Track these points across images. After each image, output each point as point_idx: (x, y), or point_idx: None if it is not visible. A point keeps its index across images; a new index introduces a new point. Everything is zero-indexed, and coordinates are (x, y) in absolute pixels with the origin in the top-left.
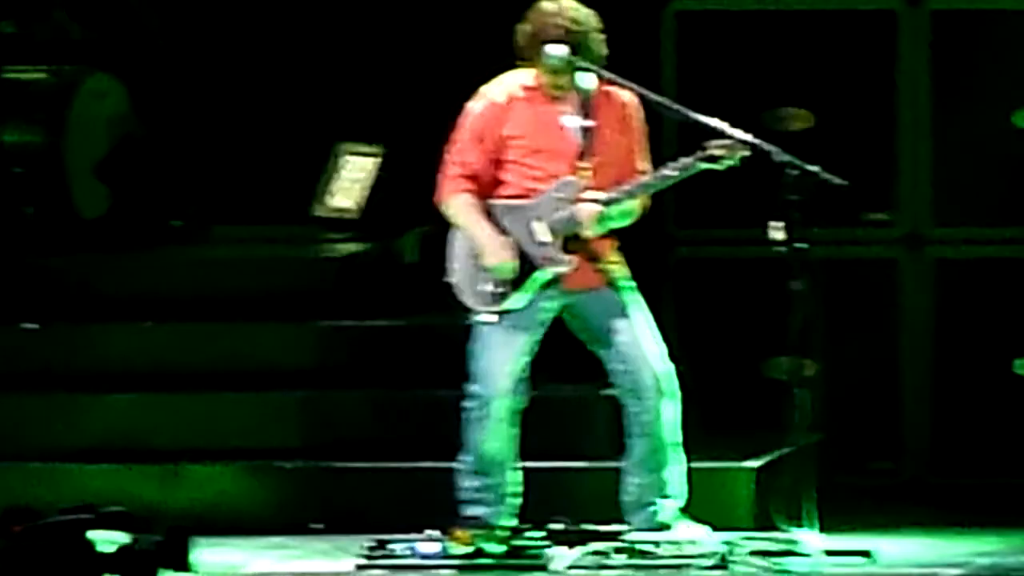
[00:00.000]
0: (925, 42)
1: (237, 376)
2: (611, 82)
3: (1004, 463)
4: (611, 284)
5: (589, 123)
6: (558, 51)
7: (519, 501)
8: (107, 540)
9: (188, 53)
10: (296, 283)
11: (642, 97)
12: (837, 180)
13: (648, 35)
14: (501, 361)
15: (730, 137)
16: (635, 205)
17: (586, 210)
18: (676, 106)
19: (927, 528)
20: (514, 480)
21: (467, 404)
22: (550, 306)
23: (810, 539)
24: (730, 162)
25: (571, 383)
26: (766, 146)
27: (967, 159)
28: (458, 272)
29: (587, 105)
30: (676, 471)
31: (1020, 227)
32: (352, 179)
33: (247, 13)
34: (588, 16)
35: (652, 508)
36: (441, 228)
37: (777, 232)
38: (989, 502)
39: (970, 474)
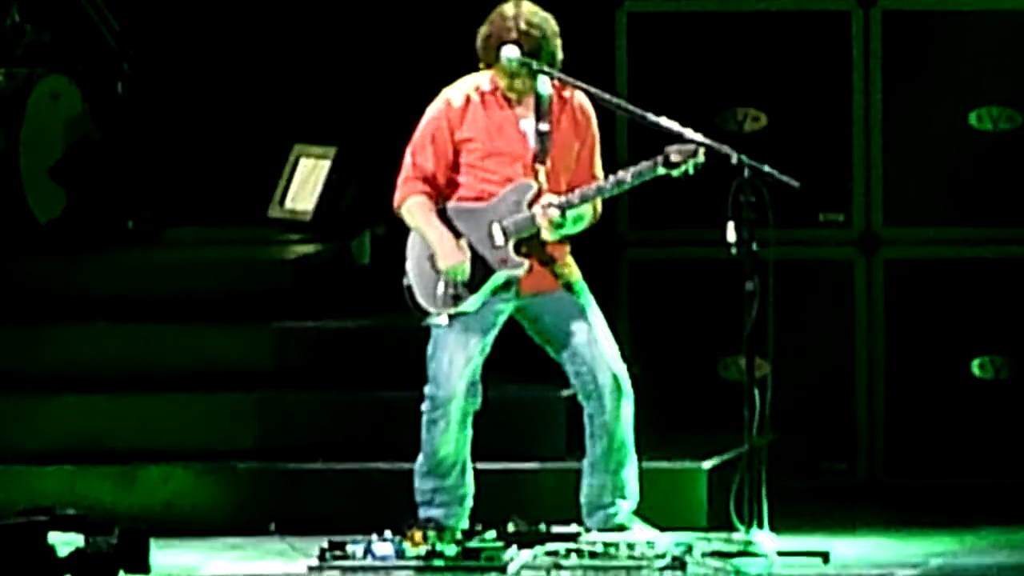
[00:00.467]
0: (878, 43)
1: (192, 377)
2: (566, 85)
3: (958, 464)
4: (565, 286)
5: (545, 127)
6: (512, 53)
7: (472, 503)
8: (63, 542)
9: (143, 55)
10: (251, 284)
11: (596, 98)
12: (791, 181)
13: (601, 36)
14: (455, 363)
15: (686, 139)
16: (588, 211)
17: (541, 214)
18: (630, 107)
19: (881, 529)
20: (469, 481)
21: (423, 406)
22: (503, 308)
23: (765, 540)
24: (687, 168)
25: (529, 384)
26: (721, 147)
27: (921, 160)
28: (413, 274)
29: (544, 109)
30: (631, 471)
31: (975, 228)
32: (306, 181)
33: (201, 15)
34: (545, 20)
35: (609, 509)
36: (395, 229)
37: (731, 233)
38: (944, 503)
39: (924, 475)
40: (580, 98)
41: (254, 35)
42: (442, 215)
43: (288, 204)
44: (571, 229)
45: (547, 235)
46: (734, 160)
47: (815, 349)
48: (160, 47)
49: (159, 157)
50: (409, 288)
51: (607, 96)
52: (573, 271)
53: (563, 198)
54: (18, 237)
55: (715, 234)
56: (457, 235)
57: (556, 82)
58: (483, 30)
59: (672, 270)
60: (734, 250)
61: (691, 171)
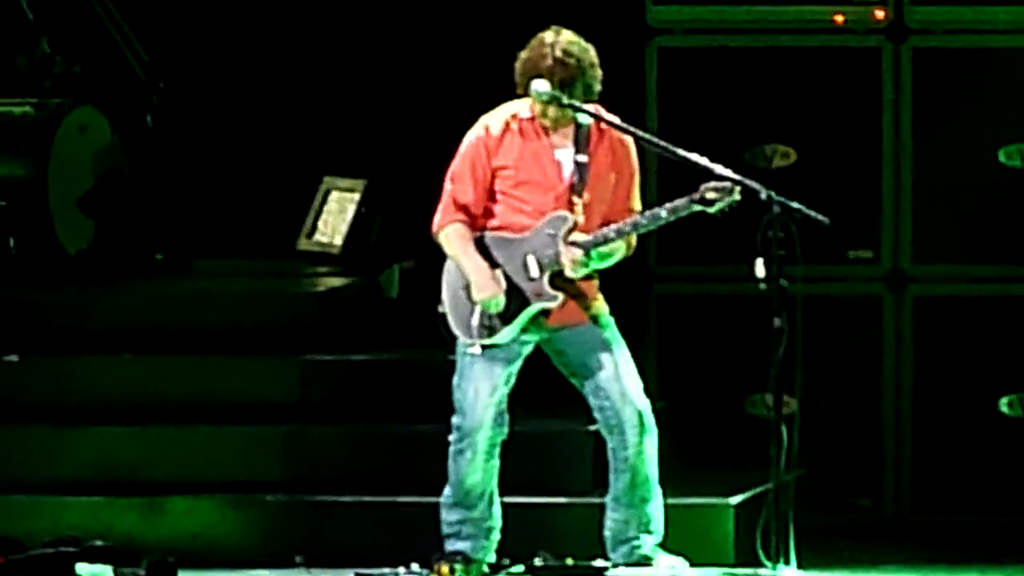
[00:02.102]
0: (908, 79)
1: (220, 409)
2: (598, 119)
3: (985, 501)
4: (592, 320)
5: (583, 158)
6: (542, 87)
7: (498, 536)
8: (91, 573)
9: (172, 86)
10: (279, 317)
11: (626, 132)
12: (820, 217)
13: (632, 71)
14: (481, 392)
15: (716, 175)
16: (619, 245)
17: (564, 252)
18: (660, 142)
19: (907, 566)
20: (496, 514)
21: (450, 436)
22: (529, 339)
23: None
24: (723, 206)
25: (555, 418)
26: (750, 183)
27: (950, 197)
28: (448, 302)
29: (582, 140)
30: (656, 506)
31: (1005, 265)
32: (335, 213)
33: (231, 47)
34: (584, 51)
35: (633, 543)
36: (424, 263)
37: (760, 269)
38: (970, 540)
39: (951, 512)
40: (619, 133)
41: (284, 67)
42: (479, 244)
43: (317, 237)
44: (599, 264)
45: (569, 273)
46: (763, 196)
47: (842, 386)
48: (189, 78)
49: (188, 189)
50: (443, 316)
51: (637, 131)
52: (600, 305)
53: (589, 237)
54: (46, 268)
55: (744, 270)
56: (493, 265)
57: (591, 106)
58: (522, 55)
59: (700, 306)
60: (762, 286)
61: (726, 209)
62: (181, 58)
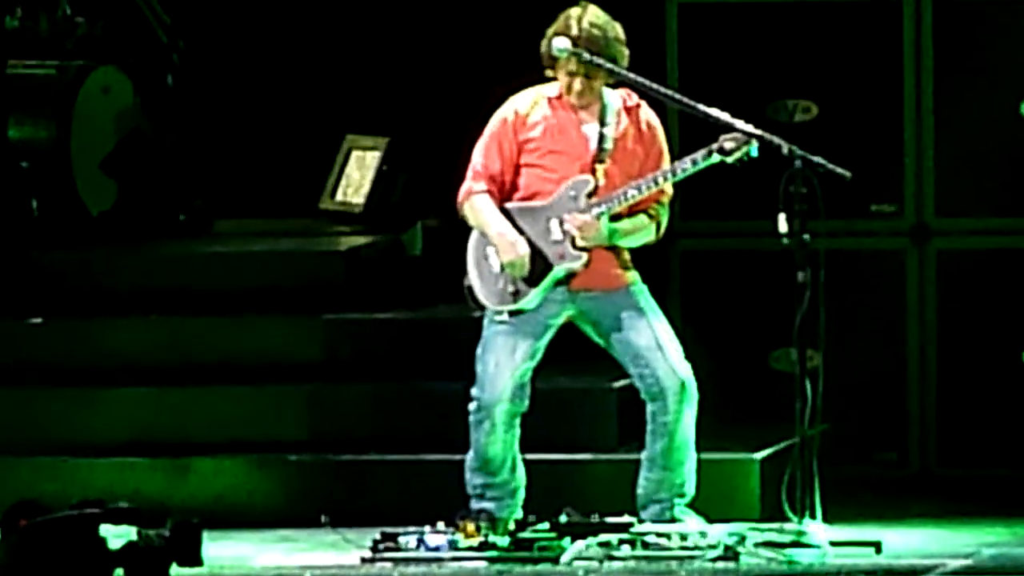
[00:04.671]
0: (929, 32)
1: (244, 370)
2: (620, 82)
3: (1010, 454)
4: (622, 286)
5: (608, 131)
6: (562, 43)
7: (524, 495)
8: (116, 535)
9: (194, 46)
10: (302, 276)
11: (648, 89)
12: (842, 172)
13: (652, 28)
14: (502, 366)
15: (736, 129)
16: (645, 226)
17: (575, 218)
18: (682, 98)
19: (933, 519)
20: (520, 476)
21: (469, 407)
22: (557, 312)
23: (817, 530)
24: (741, 155)
25: (580, 375)
26: (772, 138)
27: (973, 150)
28: (473, 273)
29: (609, 116)
30: (690, 469)
31: None
32: (358, 172)
33: (252, 6)
34: (610, 24)
35: (664, 504)
36: (447, 222)
37: (782, 224)
38: (995, 493)
39: (976, 465)
40: (648, 113)
41: (305, 26)
42: (503, 214)
43: (340, 196)
44: (623, 240)
45: (580, 241)
46: (785, 151)
47: (866, 340)
48: (210, 39)
49: (210, 149)
50: (470, 288)
51: (658, 87)
52: (632, 274)
53: (606, 197)
54: (69, 230)
55: (766, 225)
56: (518, 232)
57: (623, 90)
58: (548, 31)
59: (723, 261)
60: (785, 241)
61: (746, 158)
62: (202, 19)
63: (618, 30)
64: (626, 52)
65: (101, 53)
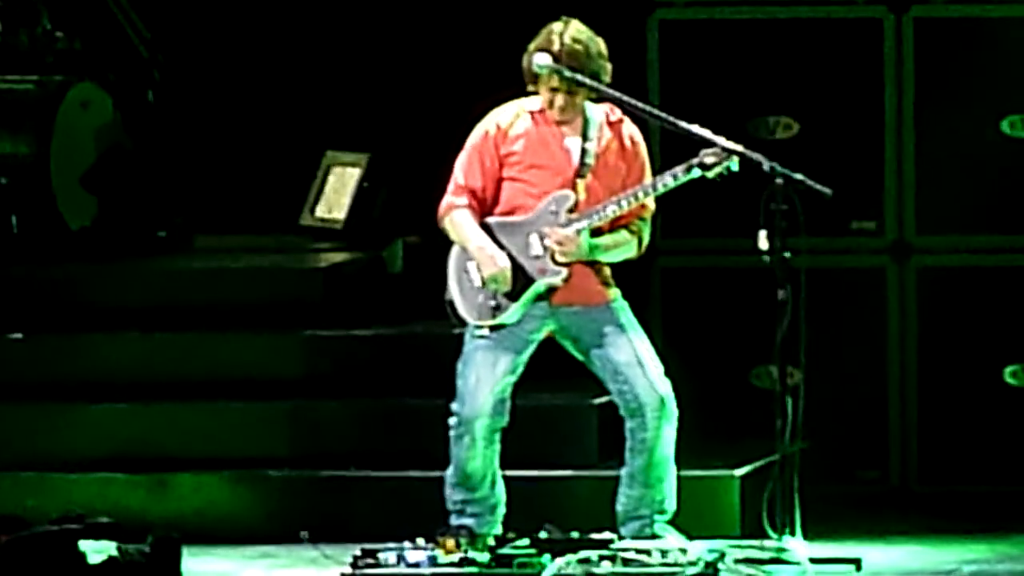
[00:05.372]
0: (910, 50)
1: (224, 385)
2: (599, 99)
3: (991, 471)
4: (603, 302)
5: (590, 146)
6: (543, 60)
7: (504, 511)
8: (96, 550)
9: (173, 62)
10: (282, 293)
11: (628, 106)
12: (823, 189)
13: (633, 44)
14: (482, 381)
15: (717, 145)
16: (626, 241)
17: (555, 233)
18: (662, 115)
19: (914, 536)
20: (500, 492)
21: (449, 421)
22: (538, 327)
23: (797, 547)
24: (721, 170)
25: (561, 391)
26: (753, 155)
27: (953, 167)
28: (454, 288)
29: (591, 131)
30: (670, 485)
31: (1008, 235)
32: (338, 188)
33: (233, 22)
34: (592, 40)
35: (644, 520)
36: (428, 239)
37: (763, 241)
38: (976, 510)
39: (957, 482)
40: (630, 128)
41: (285, 43)
42: (484, 229)
43: (320, 212)
44: (604, 256)
45: (560, 256)
46: (766, 168)
47: (847, 357)
48: (191, 55)
49: (190, 165)
50: (451, 303)
51: (639, 104)
52: (613, 291)
53: (585, 212)
54: (49, 245)
55: (747, 242)
56: (498, 247)
57: (606, 105)
58: (530, 46)
59: (704, 278)
60: (766, 258)
61: (726, 172)
62: (182, 34)
63: (600, 45)
64: (609, 67)
65: (81, 68)
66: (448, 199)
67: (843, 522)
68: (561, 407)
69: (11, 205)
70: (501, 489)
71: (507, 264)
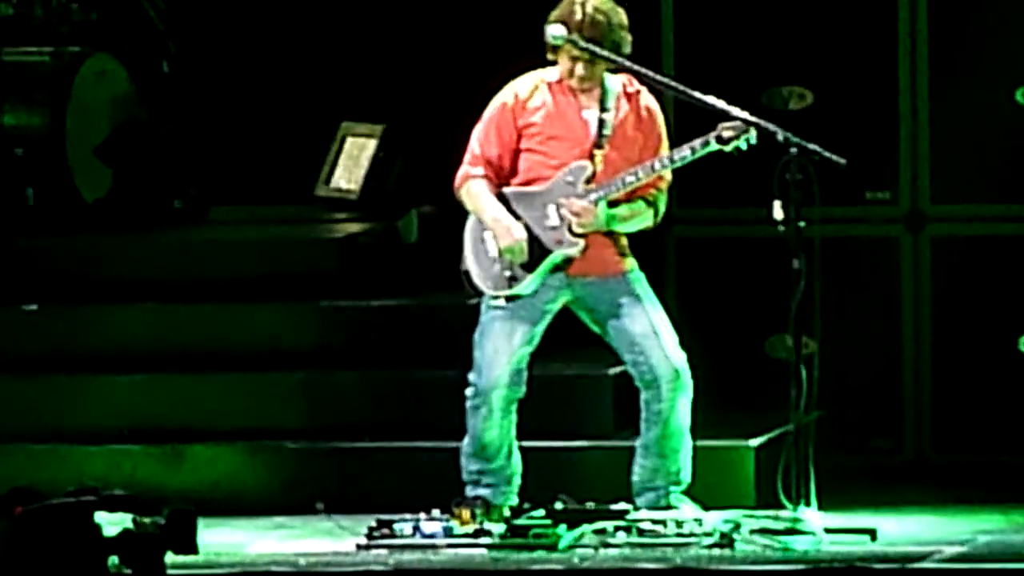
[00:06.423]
0: (924, 20)
1: (239, 357)
2: (617, 69)
3: (1006, 440)
4: (620, 273)
5: (608, 116)
6: (558, 30)
7: (519, 482)
8: (111, 522)
9: (189, 33)
10: (297, 263)
11: (643, 77)
12: (837, 159)
13: (648, 15)
14: (499, 352)
15: (733, 117)
16: (643, 211)
17: (572, 204)
18: (677, 85)
19: (928, 506)
20: (516, 462)
21: (466, 392)
22: (554, 298)
23: (812, 517)
24: (739, 143)
25: (576, 362)
26: (767, 125)
27: (968, 137)
28: (470, 258)
29: (609, 101)
30: (685, 456)
31: (1022, 204)
32: (353, 159)
33: None
34: (613, 10)
35: (659, 491)
36: (443, 209)
37: (778, 211)
38: (991, 479)
39: (972, 451)
40: (648, 99)
41: (301, 13)
42: (500, 199)
43: (335, 183)
44: (620, 226)
45: (576, 227)
46: (780, 138)
47: (861, 327)
48: (206, 26)
49: (205, 136)
50: (467, 273)
51: (655, 75)
52: (630, 261)
53: (603, 184)
54: (65, 217)
55: (761, 212)
56: (515, 218)
57: (624, 75)
58: (552, 16)
59: (719, 248)
60: (781, 228)
61: (743, 147)
62: (197, 5)
63: (622, 16)
64: (629, 38)
65: (96, 39)
66: (465, 169)
67: (858, 492)
68: (576, 378)
69: (27, 177)
70: (517, 460)
71: (523, 235)
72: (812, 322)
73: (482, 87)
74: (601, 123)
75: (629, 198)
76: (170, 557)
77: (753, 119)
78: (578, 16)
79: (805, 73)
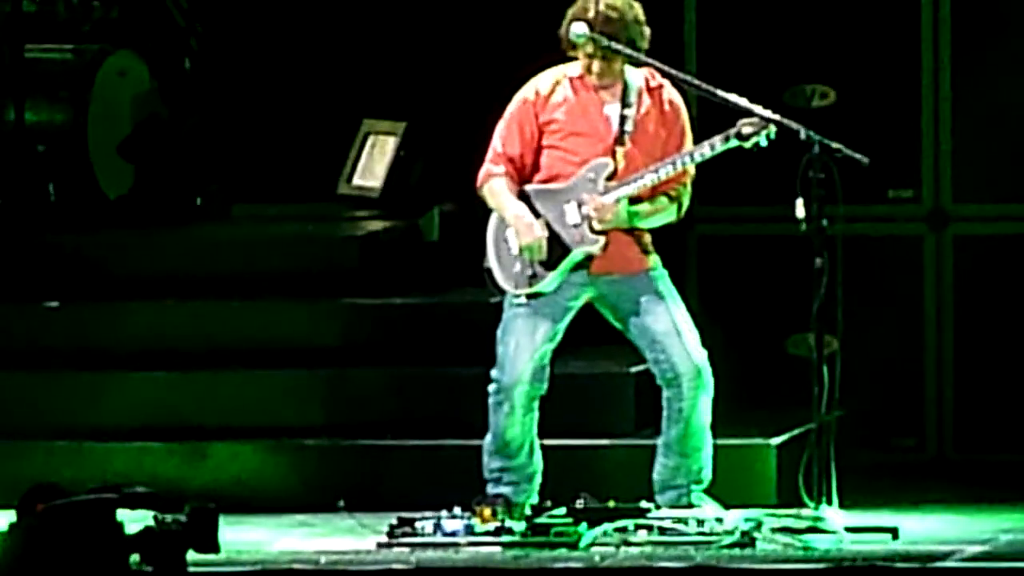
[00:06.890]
0: (948, 18)
1: (261, 354)
2: (638, 64)
3: None
4: (642, 270)
5: (629, 111)
6: (580, 28)
7: (541, 480)
8: (133, 520)
9: (210, 31)
10: (319, 261)
11: (666, 74)
12: (860, 157)
13: (670, 13)
14: (522, 348)
15: (755, 114)
16: (666, 207)
17: (594, 200)
18: (700, 83)
19: (950, 505)
20: (537, 460)
21: (489, 388)
22: (577, 295)
23: (833, 516)
24: (759, 139)
25: (597, 360)
26: (790, 123)
27: (990, 136)
28: (492, 256)
29: (630, 96)
30: (706, 455)
31: None
32: (375, 157)
33: None
34: (629, 5)
35: (681, 490)
36: (464, 207)
37: (800, 209)
38: (1013, 478)
39: (993, 450)
40: (670, 92)
41: (323, 10)
42: (521, 197)
43: (356, 180)
44: (643, 222)
45: (597, 224)
46: (803, 136)
47: (884, 325)
48: (228, 23)
49: (227, 133)
50: (489, 271)
51: (677, 72)
52: (653, 258)
53: (624, 181)
54: (86, 214)
55: (784, 210)
56: (536, 215)
57: (646, 69)
58: (568, 13)
59: (741, 246)
60: (803, 226)
61: (763, 143)
62: (219, 2)
63: (638, 10)
64: (647, 32)
65: (118, 37)
66: (486, 167)
67: (879, 491)
68: (598, 375)
69: (49, 173)
70: (539, 458)
71: (544, 233)
72: (834, 320)
73: (503, 84)
74: (623, 119)
75: (652, 194)
76: (192, 555)
77: (775, 117)
78: (591, 13)
79: (828, 71)
